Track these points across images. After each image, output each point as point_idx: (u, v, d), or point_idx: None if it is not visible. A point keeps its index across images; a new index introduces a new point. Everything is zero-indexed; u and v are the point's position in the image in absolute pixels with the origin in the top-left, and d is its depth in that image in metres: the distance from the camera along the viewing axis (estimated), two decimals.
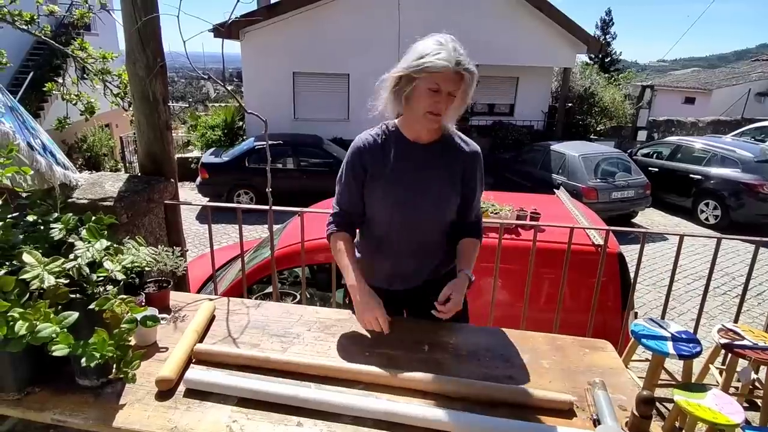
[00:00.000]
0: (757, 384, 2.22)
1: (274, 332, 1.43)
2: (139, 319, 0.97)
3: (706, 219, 8.30)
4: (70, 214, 1.15)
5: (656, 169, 9.09)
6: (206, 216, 2.58)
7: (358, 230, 1.58)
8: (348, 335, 1.43)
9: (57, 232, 1.09)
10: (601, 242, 2.67)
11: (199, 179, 8.45)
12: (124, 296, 1.00)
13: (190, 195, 9.15)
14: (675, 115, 14.62)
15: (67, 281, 1.03)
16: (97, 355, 0.92)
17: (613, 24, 29.95)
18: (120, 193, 2.25)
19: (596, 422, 1.10)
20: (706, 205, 8.32)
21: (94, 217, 1.22)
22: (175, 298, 1.60)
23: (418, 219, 1.43)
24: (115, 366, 0.97)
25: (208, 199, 8.52)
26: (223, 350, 1.28)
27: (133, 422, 1.05)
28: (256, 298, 2.88)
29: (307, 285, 3.36)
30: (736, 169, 8.01)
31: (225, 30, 6.29)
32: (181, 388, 1.17)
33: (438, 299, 1.31)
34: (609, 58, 27.19)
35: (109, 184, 2.33)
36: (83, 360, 0.91)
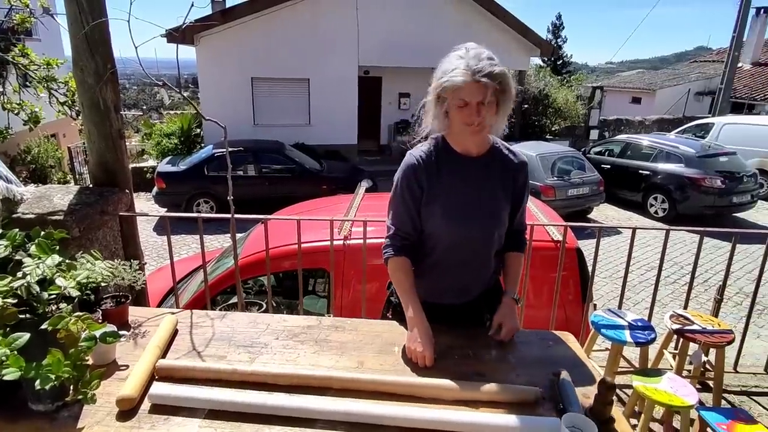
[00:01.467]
0: (707, 366, 2.36)
1: (240, 343, 1.40)
2: (98, 336, 0.93)
3: (656, 212, 8.75)
4: (16, 230, 1.08)
5: (608, 166, 9.50)
6: (164, 227, 2.49)
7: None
8: (315, 342, 1.42)
9: (2, 249, 1.02)
10: (560, 238, 2.77)
11: (155, 189, 8.17)
12: (80, 313, 0.96)
13: (146, 206, 8.83)
14: (623, 115, 15.35)
15: (15, 301, 0.97)
16: (53, 376, 0.87)
17: (563, 28, 31.22)
18: (70, 206, 2.14)
19: (562, 411, 1.14)
20: (655, 199, 8.78)
21: (43, 233, 1.16)
22: (135, 313, 1.54)
23: (476, 233, 1.43)
24: (72, 387, 0.92)
25: (165, 209, 8.24)
26: (187, 365, 1.24)
27: None
28: (220, 310, 2.81)
29: (273, 293, 3.30)
30: (680, 165, 8.49)
31: (179, 35, 6.13)
32: (145, 406, 1.12)
33: (490, 331, 1.42)
34: (561, 61, 28.30)
35: (58, 197, 2.22)
36: (37, 383, 0.86)
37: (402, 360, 1.34)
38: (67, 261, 1.03)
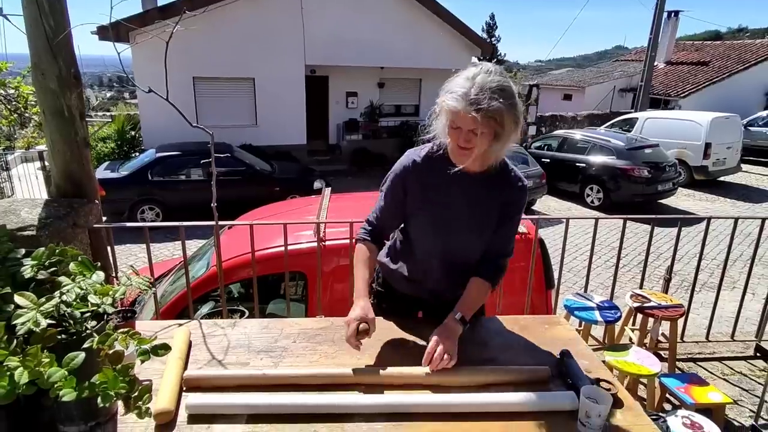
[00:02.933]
0: (661, 338, 2.64)
1: (259, 348, 1.42)
2: (149, 349, 0.93)
3: (592, 201, 9.43)
4: (42, 249, 1.04)
5: (548, 160, 10.09)
6: (108, 237, 2.42)
7: (395, 239, 1.61)
8: (333, 342, 1.47)
9: (29, 269, 0.99)
10: (524, 230, 2.97)
11: None
12: (125, 329, 0.95)
13: None
14: (557, 111, 16.31)
15: (52, 321, 0.95)
16: (112, 393, 0.86)
17: (497, 27, 32.52)
18: (41, 220, 2.02)
19: (571, 386, 1.27)
20: (591, 189, 9.45)
21: (57, 249, 1.13)
22: (140, 327, 1.50)
23: (454, 245, 1.46)
24: (123, 403, 0.91)
25: (105, 218, 7.75)
26: (216, 374, 1.25)
27: None
28: (202, 319, 2.75)
29: (243, 300, 3.25)
30: (612, 157, 9.19)
31: (113, 32, 5.77)
32: (182, 417, 1.13)
33: (425, 355, 1.27)
34: (496, 60, 29.44)
35: (26, 210, 2.08)
36: (99, 400, 0.85)
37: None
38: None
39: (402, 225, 1.57)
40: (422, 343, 1.42)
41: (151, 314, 2.88)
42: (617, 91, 19.09)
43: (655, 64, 16.13)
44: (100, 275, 1.00)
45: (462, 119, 1.24)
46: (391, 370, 1.29)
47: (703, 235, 2.75)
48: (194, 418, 1.12)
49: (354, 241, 1.56)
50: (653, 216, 2.75)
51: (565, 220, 2.66)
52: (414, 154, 1.47)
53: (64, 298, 0.95)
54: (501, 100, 1.22)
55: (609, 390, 1.19)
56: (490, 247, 1.47)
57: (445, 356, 1.26)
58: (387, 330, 1.51)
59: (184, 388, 1.22)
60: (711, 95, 16.49)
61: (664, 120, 11.51)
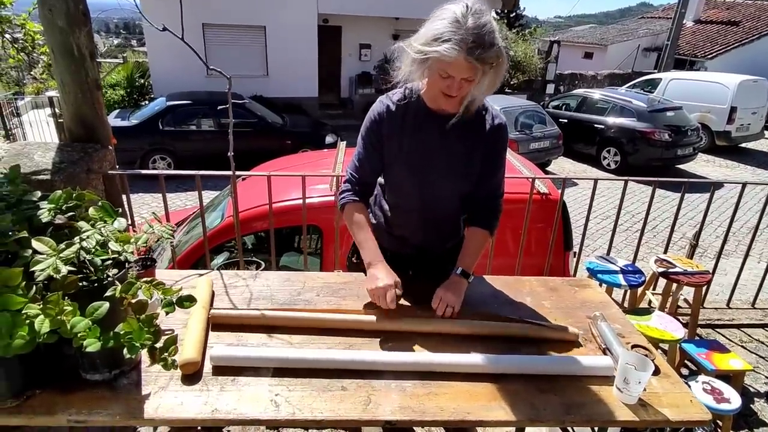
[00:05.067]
0: (682, 303, 2.60)
1: (283, 301, 1.38)
2: (174, 301, 0.88)
3: (608, 165, 9.20)
4: (59, 192, 0.98)
5: (565, 120, 9.78)
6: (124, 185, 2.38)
7: (375, 195, 1.54)
8: (358, 297, 1.43)
9: (45, 213, 0.93)
10: (546, 191, 2.88)
11: None
12: (148, 278, 0.90)
13: None
14: (577, 69, 15.70)
15: (72, 268, 0.90)
16: (138, 344, 0.83)
17: None
18: (55, 164, 1.97)
19: (605, 351, 1.23)
20: (608, 152, 9.20)
21: (74, 194, 1.07)
22: (161, 276, 1.47)
23: (434, 193, 1.39)
24: (149, 354, 0.88)
25: (117, 167, 7.72)
26: (242, 313, 1.23)
27: (167, 411, 0.98)
28: (218, 270, 2.74)
29: (252, 252, 3.23)
30: (632, 119, 8.88)
31: None
32: (207, 368, 1.10)
33: (432, 303, 1.31)
34: (514, 14, 28.16)
35: (38, 154, 2.02)
36: (125, 351, 0.81)
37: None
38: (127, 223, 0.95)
39: (381, 179, 1.49)
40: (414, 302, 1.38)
41: (167, 263, 2.87)
42: (641, 51, 18.28)
43: (684, 22, 15.31)
44: (121, 222, 0.94)
45: (457, 68, 1.15)
46: (419, 321, 1.26)
47: (736, 201, 2.64)
48: (219, 370, 1.09)
49: (339, 206, 1.44)
50: (685, 180, 2.64)
51: (590, 182, 2.54)
52: (387, 100, 1.38)
53: (84, 244, 0.89)
54: (497, 44, 1.15)
55: (647, 356, 1.15)
56: (479, 191, 1.41)
57: (447, 308, 1.29)
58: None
59: (211, 327, 1.20)
60: (738, 57, 15.70)
61: (688, 81, 11.02)
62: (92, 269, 0.95)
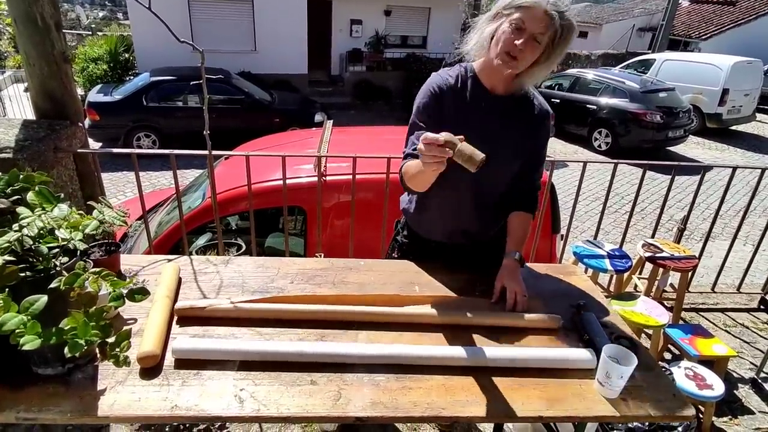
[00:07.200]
0: (668, 288, 2.58)
1: (254, 288, 1.32)
2: (125, 294, 0.82)
3: (599, 146, 9.14)
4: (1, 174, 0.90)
5: (558, 101, 9.68)
6: (106, 163, 2.29)
7: None
8: (333, 284, 1.37)
9: None
10: None
11: (88, 121, 7.37)
12: (97, 269, 0.83)
13: None
14: (571, 49, 15.46)
15: (12, 258, 0.83)
16: (82, 341, 0.76)
17: None
18: (18, 141, 1.86)
19: (588, 342, 1.19)
20: (599, 133, 9.13)
21: (21, 175, 0.98)
22: (126, 261, 1.40)
23: (489, 174, 1.29)
24: (99, 350, 0.82)
25: (100, 144, 7.52)
26: (210, 303, 1.16)
27: (123, 408, 0.92)
28: (196, 253, 2.66)
29: (239, 233, 3.16)
30: (624, 100, 8.80)
31: None
32: (168, 361, 1.04)
33: (493, 298, 1.31)
34: None
35: (1, 130, 1.91)
36: (66, 350, 0.75)
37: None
38: (75, 210, 0.87)
39: None
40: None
41: (145, 247, 2.79)
42: (636, 30, 18.05)
43: (680, 1, 15.12)
44: (62, 208, 0.86)
45: (532, 17, 1.16)
46: (400, 309, 1.21)
47: (726, 184, 2.60)
48: (182, 363, 1.03)
49: (399, 177, 1.36)
50: (675, 163, 2.59)
51: (580, 164, 2.49)
52: (445, 74, 1.36)
53: (26, 231, 0.82)
54: (573, 17, 1.19)
55: (630, 349, 1.10)
56: (522, 180, 1.41)
57: (520, 297, 1.28)
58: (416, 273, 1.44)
59: (176, 323, 1.13)
60: (733, 38, 15.57)
61: (682, 63, 10.92)
62: (39, 258, 0.87)
